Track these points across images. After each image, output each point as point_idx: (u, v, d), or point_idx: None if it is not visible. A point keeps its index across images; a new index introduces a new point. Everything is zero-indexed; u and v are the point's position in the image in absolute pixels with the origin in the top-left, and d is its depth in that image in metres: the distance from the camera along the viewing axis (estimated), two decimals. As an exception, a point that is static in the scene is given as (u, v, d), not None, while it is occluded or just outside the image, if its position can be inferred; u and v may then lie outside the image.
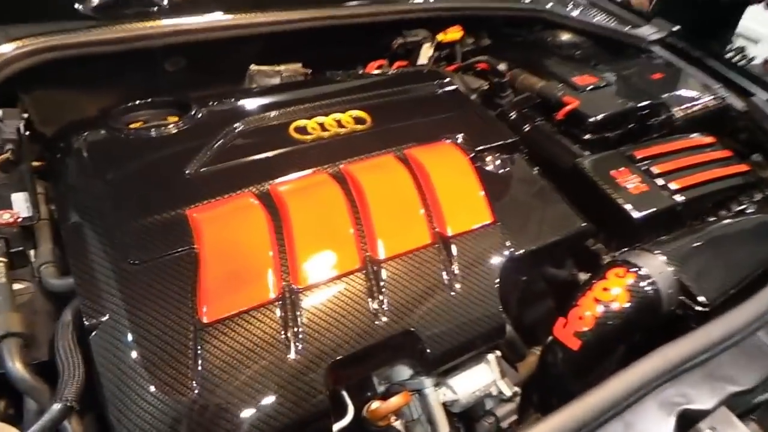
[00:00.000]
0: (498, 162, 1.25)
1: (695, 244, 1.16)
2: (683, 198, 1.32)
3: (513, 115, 1.52)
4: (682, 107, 1.72)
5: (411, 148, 1.19)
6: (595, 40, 2.11)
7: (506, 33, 2.08)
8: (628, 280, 1.02)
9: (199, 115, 1.21)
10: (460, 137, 1.26)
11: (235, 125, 1.17)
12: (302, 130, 1.20)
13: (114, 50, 1.35)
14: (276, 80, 1.51)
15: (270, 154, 1.12)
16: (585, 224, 1.18)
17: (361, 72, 1.64)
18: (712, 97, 1.80)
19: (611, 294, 1.01)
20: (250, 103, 1.27)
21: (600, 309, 1.01)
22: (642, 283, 1.02)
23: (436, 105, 1.38)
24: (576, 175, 1.34)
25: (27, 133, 1.21)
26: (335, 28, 1.59)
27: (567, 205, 1.21)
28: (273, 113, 1.22)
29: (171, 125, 1.18)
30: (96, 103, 1.38)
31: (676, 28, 2.18)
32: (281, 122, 1.21)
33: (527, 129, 1.49)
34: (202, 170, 1.07)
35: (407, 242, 1.01)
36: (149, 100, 1.26)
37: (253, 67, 1.48)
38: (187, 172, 1.05)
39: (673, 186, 1.33)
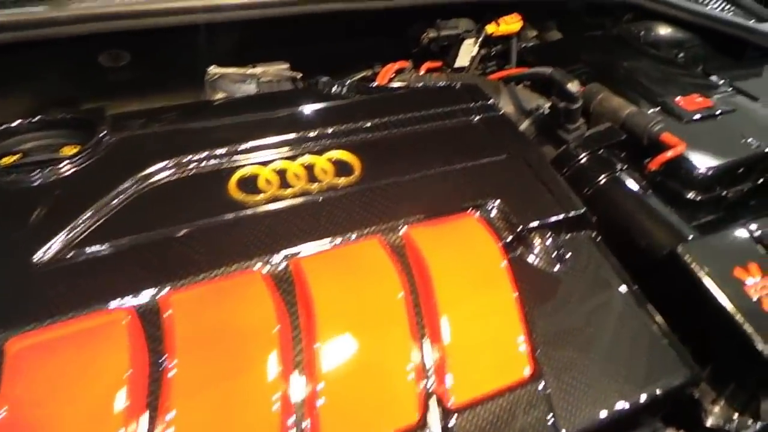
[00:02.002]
0: (552, 251, 0.79)
1: None
2: None
3: (583, 157, 1.03)
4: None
5: (413, 227, 0.75)
6: (706, 37, 1.56)
7: (584, 23, 1.56)
8: None
9: (104, 149, 0.81)
10: (494, 206, 0.81)
11: (148, 170, 0.77)
12: (249, 184, 0.78)
13: (27, 38, 0.96)
14: (250, 87, 1.09)
15: (184, 229, 0.71)
16: (692, 372, 0.72)
17: (372, 79, 1.19)
18: None
19: None
20: (184, 130, 0.86)
21: None
22: None
23: (467, 143, 0.92)
24: (675, 268, 0.86)
25: None
26: (341, 15, 1.15)
27: (664, 337, 0.75)
28: (209, 152, 0.81)
29: (61, 164, 0.79)
30: (5, 112, 1.02)
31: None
32: (219, 169, 0.79)
33: (602, 181, 1.01)
34: (66, 257, 0.67)
35: (373, 422, 0.58)
36: (37, 118, 0.87)
37: (212, 69, 1.06)
38: (37, 260, 0.66)
39: (833, 299, 0.84)
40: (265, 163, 0.81)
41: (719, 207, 1.07)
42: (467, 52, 1.29)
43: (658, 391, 0.70)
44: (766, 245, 0.90)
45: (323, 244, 0.72)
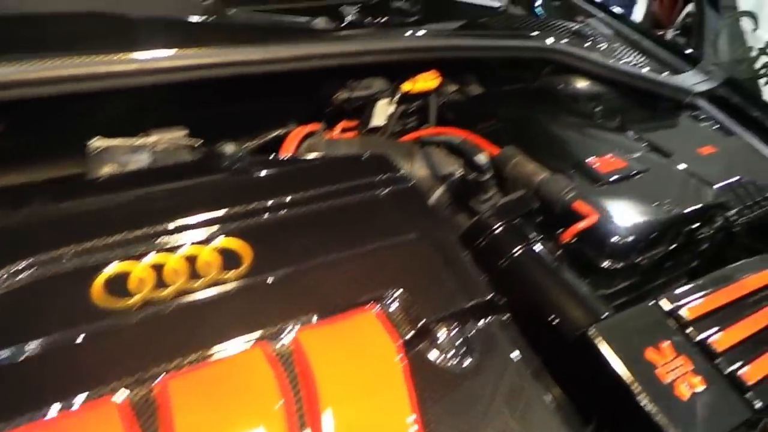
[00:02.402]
0: (458, 343, 0.74)
1: None
2: (762, 402, 0.80)
3: (497, 228, 0.99)
4: (745, 204, 1.22)
5: (303, 330, 0.68)
6: (622, 89, 1.59)
7: (504, 77, 1.56)
8: None
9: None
10: (395, 297, 0.75)
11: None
12: (118, 286, 0.69)
13: None
14: (143, 158, 1.00)
15: (26, 353, 0.61)
16: None
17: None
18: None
19: None
20: (36, 220, 0.76)
21: None
22: None
23: (373, 222, 0.87)
24: (585, 351, 0.82)
25: None
26: (245, 78, 1.08)
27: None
28: (72, 247, 0.71)
29: None
30: None
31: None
32: (83, 267, 0.70)
33: (517, 253, 0.97)
34: None
35: None
36: None
37: (94, 143, 0.96)
38: None
39: (746, 377, 0.82)
40: (139, 257, 0.72)
41: (635, 273, 1.06)
42: (382, 111, 1.25)
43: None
44: (677, 319, 0.88)
45: (199, 358, 0.64)
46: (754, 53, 4.18)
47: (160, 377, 0.61)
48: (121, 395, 0.59)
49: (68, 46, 0.96)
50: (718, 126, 1.52)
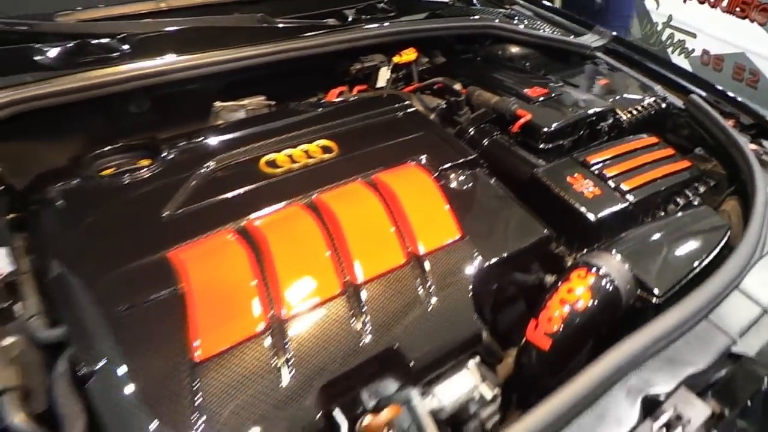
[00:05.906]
0: (461, 179, 1.32)
1: (648, 240, 1.25)
2: (634, 198, 1.41)
3: (471, 131, 1.60)
4: (628, 110, 1.85)
5: (378, 173, 1.26)
6: (543, 51, 2.22)
7: (459, 50, 2.18)
8: (590, 280, 1.10)
9: (170, 157, 1.25)
10: (423, 158, 1.33)
11: (207, 164, 1.22)
12: (272, 163, 1.25)
13: (78, 98, 1.38)
14: (241, 114, 1.56)
15: (243, 190, 1.17)
16: (546, 231, 1.26)
17: (321, 100, 1.71)
18: (654, 98, 1.93)
19: (575, 294, 1.09)
20: (219, 141, 1.32)
21: (566, 309, 1.08)
22: (602, 282, 1.10)
23: (398, 128, 1.45)
24: (535, 183, 1.42)
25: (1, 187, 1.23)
26: (293, 60, 1.65)
27: (528, 214, 1.29)
28: (242, 149, 1.27)
29: (143, 169, 1.22)
30: (63, 152, 1.40)
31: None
32: (251, 157, 1.26)
33: (486, 143, 1.57)
34: (178, 212, 1.11)
35: (383, 264, 1.06)
36: (119, 144, 1.29)
37: (217, 104, 1.53)
38: (164, 214, 1.09)
39: (624, 187, 1.43)
40: (278, 151, 1.29)
41: (562, 152, 1.67)
42: (384, 76, 1.83)
43: (527, 243, 1.22)
44: (584, 163, 1.48)
45: (327, 188, 1.20)
46: (659, 27, 5.02)
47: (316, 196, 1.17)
48: (296, 203, 1.14)
49: (191, 49, 1.51)
50: (610, 68, 2.16)
